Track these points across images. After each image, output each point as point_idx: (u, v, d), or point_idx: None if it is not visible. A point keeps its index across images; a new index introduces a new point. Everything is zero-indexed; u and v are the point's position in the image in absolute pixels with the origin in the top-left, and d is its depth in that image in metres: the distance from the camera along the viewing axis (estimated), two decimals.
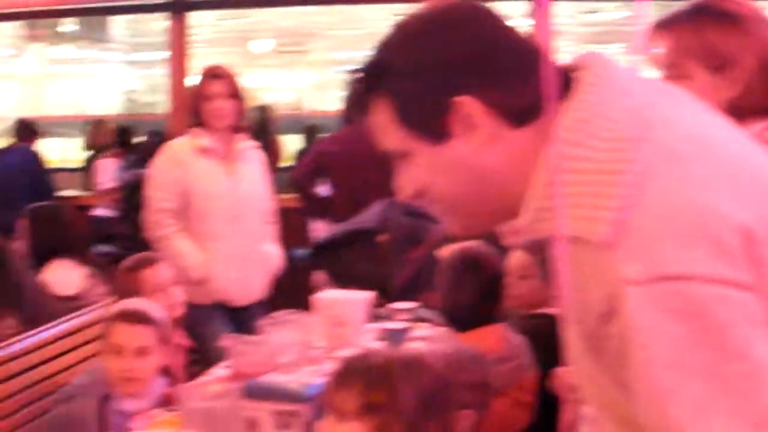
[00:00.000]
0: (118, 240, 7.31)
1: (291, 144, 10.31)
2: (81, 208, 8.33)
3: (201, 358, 5.07)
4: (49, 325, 4.28)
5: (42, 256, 4.99)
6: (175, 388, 3.42)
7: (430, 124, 1.51)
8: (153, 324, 3.48)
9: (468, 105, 1.47)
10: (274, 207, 5.55)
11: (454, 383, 2.45)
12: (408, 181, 1.58)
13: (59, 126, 11.68)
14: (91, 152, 9.18)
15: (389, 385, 2.27)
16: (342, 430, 2.24)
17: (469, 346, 3.32)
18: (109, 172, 8.53)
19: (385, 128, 1.56)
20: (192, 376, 4.22)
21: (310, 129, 10.06)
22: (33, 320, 4.36)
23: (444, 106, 1.48)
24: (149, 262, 4.14)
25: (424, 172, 1.55)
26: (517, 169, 1.49)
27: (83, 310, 4.46)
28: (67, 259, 4.98)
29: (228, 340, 3.71)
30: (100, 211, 8.43)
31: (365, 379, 2.29)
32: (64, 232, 5.06)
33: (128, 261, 4.20)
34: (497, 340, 3.71)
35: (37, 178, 8.28)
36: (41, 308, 4.51)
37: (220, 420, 2.95)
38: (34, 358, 4.02)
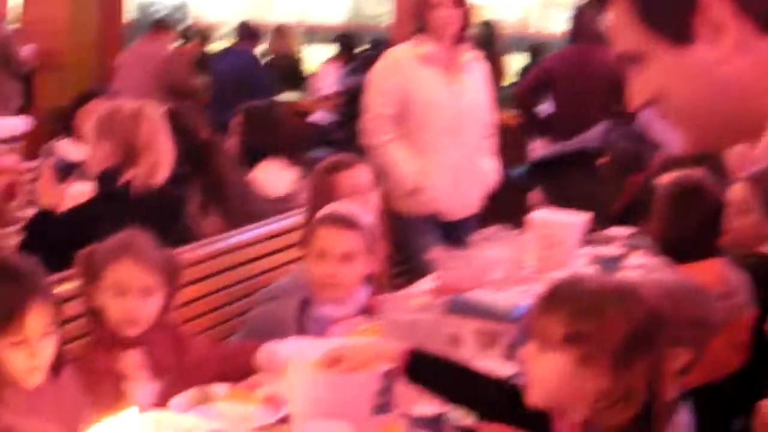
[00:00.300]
0: (335, 146, 7.30)
1: (515, 63, 10.07)
2: (300, 113, 8.38)
3: (409, 270, 5.02)
4: (254, 225, 4.27)
5: (253, 155, 4.97)
6: (379, 297, 3.34)
7: (674, 23, 1.33)
8: (360, 230, 3.38)
9: (717, 6, 1.29)
10: (495, 121, 5.39)
11: (670, 318, 2.26)
12: (642, 87, 1.41)
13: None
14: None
15: (598, 315, 2.10)
16: (543, 360, 2.09)
17: (689, 279, 3.10)
18: (330, 77, 8.53)
19: (624, 27, 1.39)
20: (398, 287, 4.17)
21: (534, 48, 9.79)
22: (238, 219, 4.37)
23: (691, 4, 1.31)
24: (347, 165, 4.00)
25: (661, 77, 1.38)
26: (763, 82, 1.31)
27: (291, 212, 4.43)
28: (278, 160, 4.96)
29: (437, 253, 3.61)
30: (318, 117, 8.44)
31: (573, 306, 2.12)
32: (276, 132, 5.02)
33: (326, 162, 4.08)
34: (717, 275, 3.47)
35: (255, 80, 8.35)
36: (248, 207, 4.51)
37: (421, 334, 2.86)
38: (238, 257, 4.02)
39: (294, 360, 2.44)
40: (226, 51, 9.06)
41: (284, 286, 3.55)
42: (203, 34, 10.73)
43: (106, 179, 3.71)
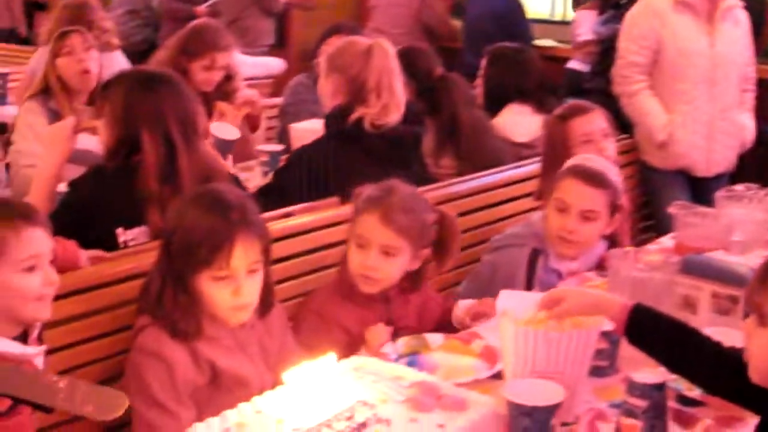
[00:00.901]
0: (589, 95, 7.04)
1: None
2: (556, 59, 8.15)
3: (653, 225, 4.79)
4: (492, 170, 4.15)
5: (498, 98, 4.83)
6: (612, 251, 3.16)
7: None
8: (607, 188, 3.19)
9: None
10: (754, 76, 5.04)
11: None
12: None
13: None
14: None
15: None
16: (761, 335, 1.86)
17: None
18: (587, 23, 8.23)
19: None
20: (643, 242, 3.97)
21: None
22: (473, 161, 4.25)
23: None
24: (581, 111, 3.80)
25: None
26: None
27: (530, 160, 4.27)
28: (523, 104, 4.80)
29: (677, 209, 3.39)
30: (574, 64, 8.17)
31: None
32: (523, 75, 4.85)
33: (560, 108, 3.92)
34: None
35: (511, 24, 8.15)
36: (484, 150, 4.38)
37: (651, 292, 2.67)
38: (474, 202, 3.91)
39: (509, 313, 2.30)
40: None
41: (517, 233, 3.42)
42: None
43: (336, 117, 3.65)
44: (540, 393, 2.12)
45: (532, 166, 4.11)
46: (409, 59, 4.31)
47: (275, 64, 7.15)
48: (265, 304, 2.64)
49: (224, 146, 3.95)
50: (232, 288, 2.48)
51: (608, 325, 2.28)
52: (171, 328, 2.48)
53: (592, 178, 3.19)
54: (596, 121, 3.79)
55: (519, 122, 4.73)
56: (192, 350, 2.50)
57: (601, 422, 2.27)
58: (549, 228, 3.24)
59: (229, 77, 4.64)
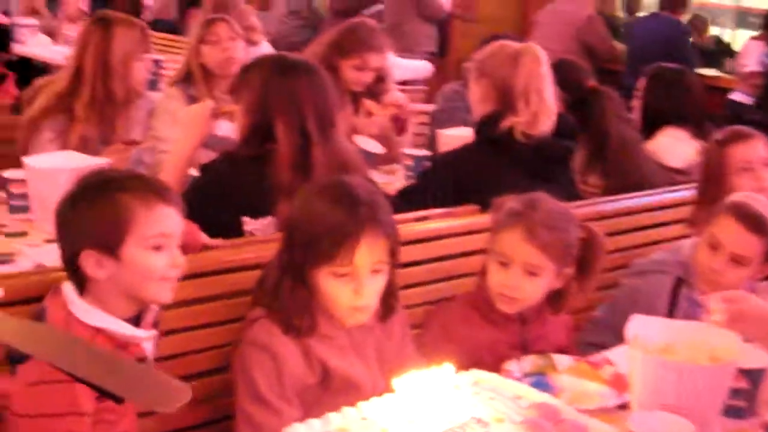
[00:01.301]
0: (751, 126, 6.78)
1: None
2: (719, 89, 7.90)
3: None
4: (643, 192, 3.95)
5: (655, 121, 4.61)
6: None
7: None
8: (766, 236, 2.97)
9: None
10: None
11: None
12: None
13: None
14: None
15: None
16: None
17: None
18: (755, 54, 7.94)
19: None
20: None
21: None
22: (621, 181, 4.07)
23: None
24: (742, 137, 3.58)
25: None
26: None
27: (684, 185, 4.06)
28: (680, 129, 4.58)
29: None
30: (737, 96, 7.92)
31: None
32: (682, 99, 4.62)
33: (721, 133, 3.69)
34: None
35: (677, 49, 7.92)
36: (634, 171, 4.18)
37: None
38: (620, 223, 3.71)
39: (639, 338, 2.15)
40: (652, 16, 8.64)
41: (663, 260, 3.22)
42: None
43: (487, 124, 3.53)
44: (668, 428, 1.96)
45: (686, 192, 3.91)
46: (560, 71, 4.14)
47: (423, 68, 7.10)
48: (387, 308, 2.52)
49: (366, 159, 3.87)
50: (353, 286, 2.37)
51: (750, 362, 2.12)
52: (285, 322, 2.39)
53: (754, 222, 2.96)
54: (757, 148, 3.57)
55: (675, 146, 4.52)
56: (304, 347, 2.41)
57: None
58: (698, 261, 3.06)
59: (380, 78, 4.57)
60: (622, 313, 2.93)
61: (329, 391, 2.42)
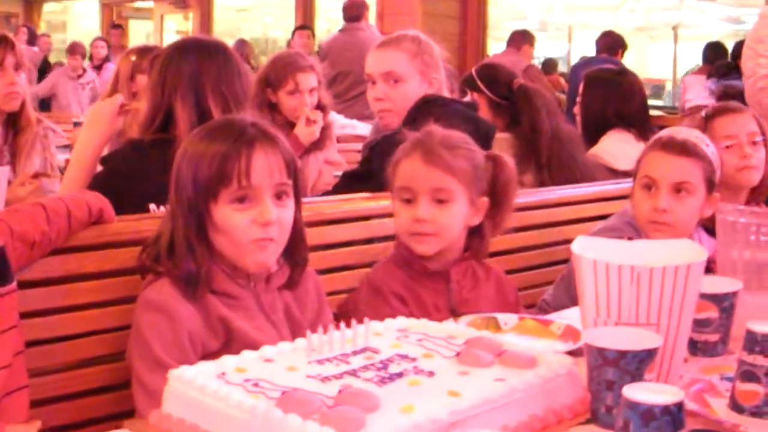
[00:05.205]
0: None
1: None
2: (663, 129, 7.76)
3: None
4: (586, 183, 3.77)
5: (597, 124, 4.39)
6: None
7: None
8: (700, 159, 2.74)
9: None
10: None
11: None
12: None
13: None
14: None
15: None
16: None
17: None
18: (696, 88, 7.83)
19: None
20: None
21: None
22: (555, 176, 3.87)
23: None
24: (729, 111, 3.28)
25: None
26: None
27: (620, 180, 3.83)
28: (624, 131, 4.35)
29: None
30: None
31: None
32: (624, 100, 4.38)
33: (710, 107, 3.50)
34: None
35: None
36: (574, 169, 3.95)
37: None
38: (563, 213, 3.51)
39: (587, 252, 1.82)
40: (593, 59, 8.51)
41: (610, 225, 2.96)
42: None
43: None
44: (629, 340, 1.63)
45: (618, 186, 3.70)
46: (487, 73, 4.14)
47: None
48: (296, 263, 2.21)
49: None
50: (257, 212, 2.06)
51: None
52: (181, 280, 2.07)
53: (681, 147, 2.75)
54: (744, 123, 3.30)
55: (619, 149, 4.27)
56: (204, 307, 2.08)
57: (711, 396, 1.78)
58: (640, 210, 2.80)
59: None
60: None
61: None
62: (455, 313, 2.38)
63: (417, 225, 2.41)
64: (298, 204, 2.17)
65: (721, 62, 8.05)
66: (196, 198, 2.08)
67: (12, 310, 1.95)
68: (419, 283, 2.47)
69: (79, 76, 10.66)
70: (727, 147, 3.21)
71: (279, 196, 2.10)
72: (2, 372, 1.90)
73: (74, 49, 11.25)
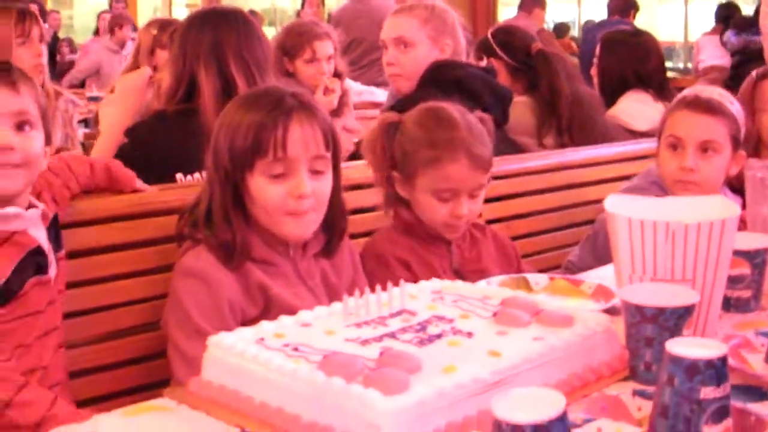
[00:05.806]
0: None
1: None
2: (680, 90, 7.72)
3: None
4: (607, 144, 3.77)
5: (614, 85, 4.35)
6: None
7: None
8: (726, 117, 2.74)
9: None
10: None
11: None
12: None
13: None
14: None
15: None
16: None
17: None
18: (709, 49, 7.77)
19: None
20: None
21: None
22: (576, 138, 3.86)
23: None
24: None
25: None
26: None
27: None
28: (642, 92, 4.32)
29: None
30: None
31: None
32: (641, 61, 4.35)
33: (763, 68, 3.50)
34: None
35: None
36: (594, 130, 3.93)
37: None
38: (586, 174, 3.51)
39: (620, 209, 1.82)
40: (605, 22, 8.46)
41: (636, 185, 2.97)
42: None
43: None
44: (666, 297, 1.63)
45: (652, 144, 3.65)
46: (504, 37, 4.10)
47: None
48: (334, 233, 2.22)
49: None
50: (292, 184, 2.07)
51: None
52: (219, 248, 2.08)
53: (706, 105, 2.75)
54: None
55: (638, 110, 4.25)
56: (242, 274, 2.09)
57: (747, 351, 1.78)
58: (666, 170, 2.80)
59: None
60: (604, 247, 2.63)
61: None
62: (459, 274, 2.42)
63: (455, 219, 2.45)
64: (337, 175, 2.18)
65: (740, 16, 7.99)
66: (233, 168, 2.09)
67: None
68: (425, 248, 2.50)
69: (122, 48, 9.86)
70: None
71: (316, 168, 2.10)
72: (55, 333, 1.95)
73: (122, 21, 10.29)
